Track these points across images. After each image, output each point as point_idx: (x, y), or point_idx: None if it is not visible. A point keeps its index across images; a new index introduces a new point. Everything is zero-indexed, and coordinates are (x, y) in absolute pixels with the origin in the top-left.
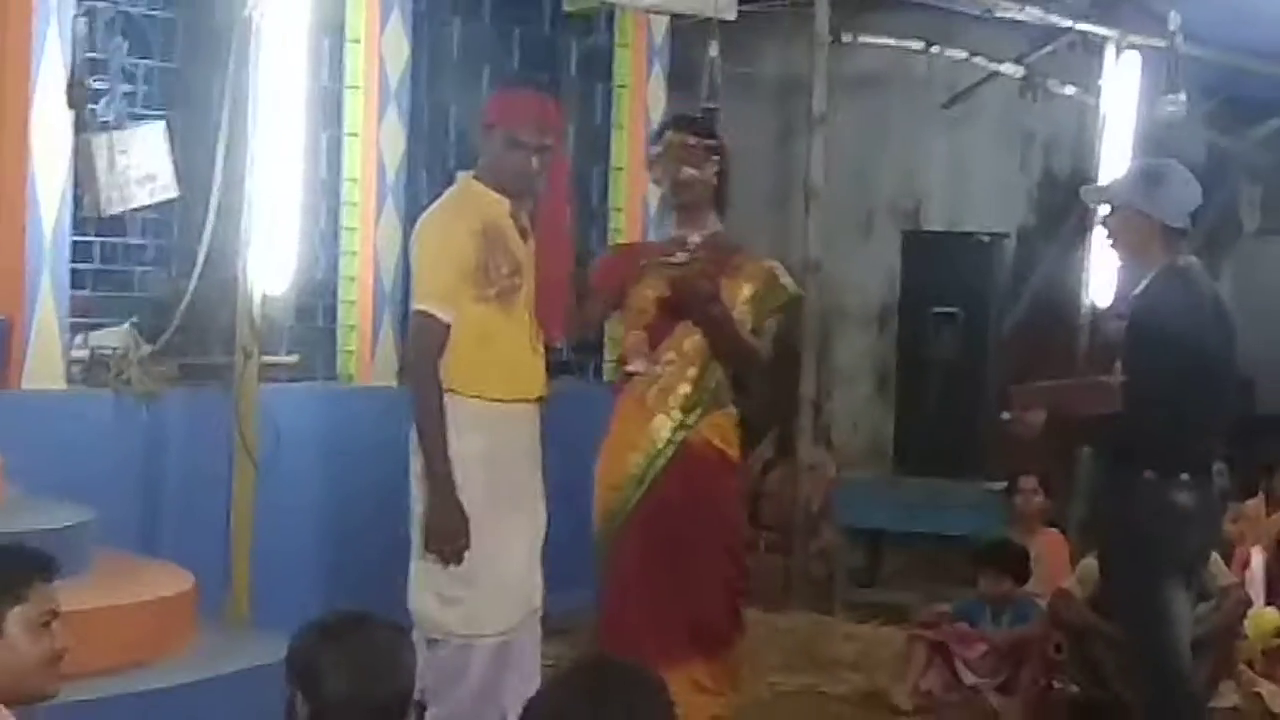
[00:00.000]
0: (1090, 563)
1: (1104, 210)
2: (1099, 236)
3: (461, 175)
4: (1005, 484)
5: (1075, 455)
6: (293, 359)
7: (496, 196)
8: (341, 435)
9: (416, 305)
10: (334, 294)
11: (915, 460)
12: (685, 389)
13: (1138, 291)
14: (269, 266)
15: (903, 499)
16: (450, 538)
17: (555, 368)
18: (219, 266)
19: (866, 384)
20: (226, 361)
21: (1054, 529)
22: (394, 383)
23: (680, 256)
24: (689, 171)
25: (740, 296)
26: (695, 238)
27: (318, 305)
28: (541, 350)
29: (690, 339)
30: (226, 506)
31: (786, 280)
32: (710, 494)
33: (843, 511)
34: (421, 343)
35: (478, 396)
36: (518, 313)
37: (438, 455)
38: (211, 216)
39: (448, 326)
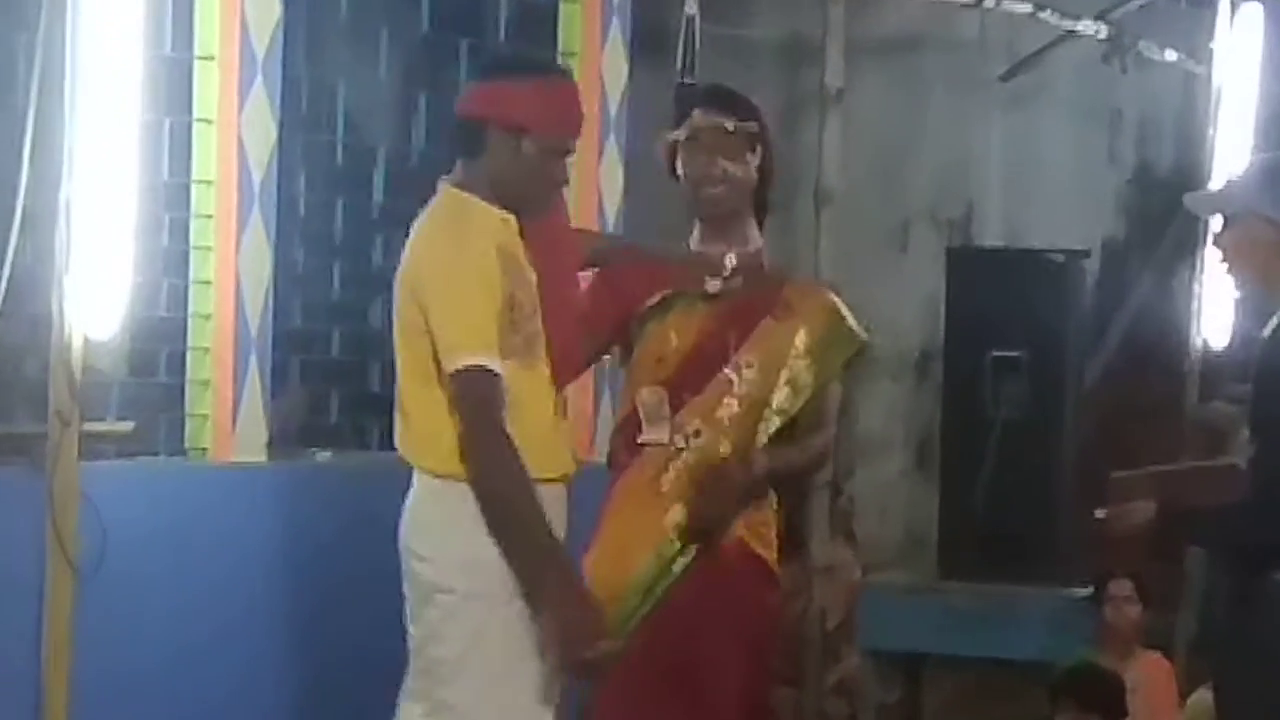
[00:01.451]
0: (1205, 696)
1: (1217, 222)
2: (1212, 255)
3: (454, 190)
4: (1090, 590)
5: (1182, 553)
6: (126, 427)
7: (502, 214)
8: (190, 529)
9: (460, 362)
10: (182, 339)
11: (967, 559)
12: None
13: (1268, 330)
14: (93, 301)
15: (950, 611)
16: (590, 637)
17: None
18: (24, 301)
19: (901, 455)
20: (36, 431)
21: (1156, 651)
22: (262, 458)
23: (714, 285)
24: (725, 166)
25: (794, 346)
26: (731, 257)
27: (159, 354)
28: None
29: (725, 402)
30: (38, 622)
31: (851, 320)
32: (743, 615)
33: (870, 628)
34: (485, 408)
35: None
36: (540, 367)
37: (541, 540)
38: (14, 233)
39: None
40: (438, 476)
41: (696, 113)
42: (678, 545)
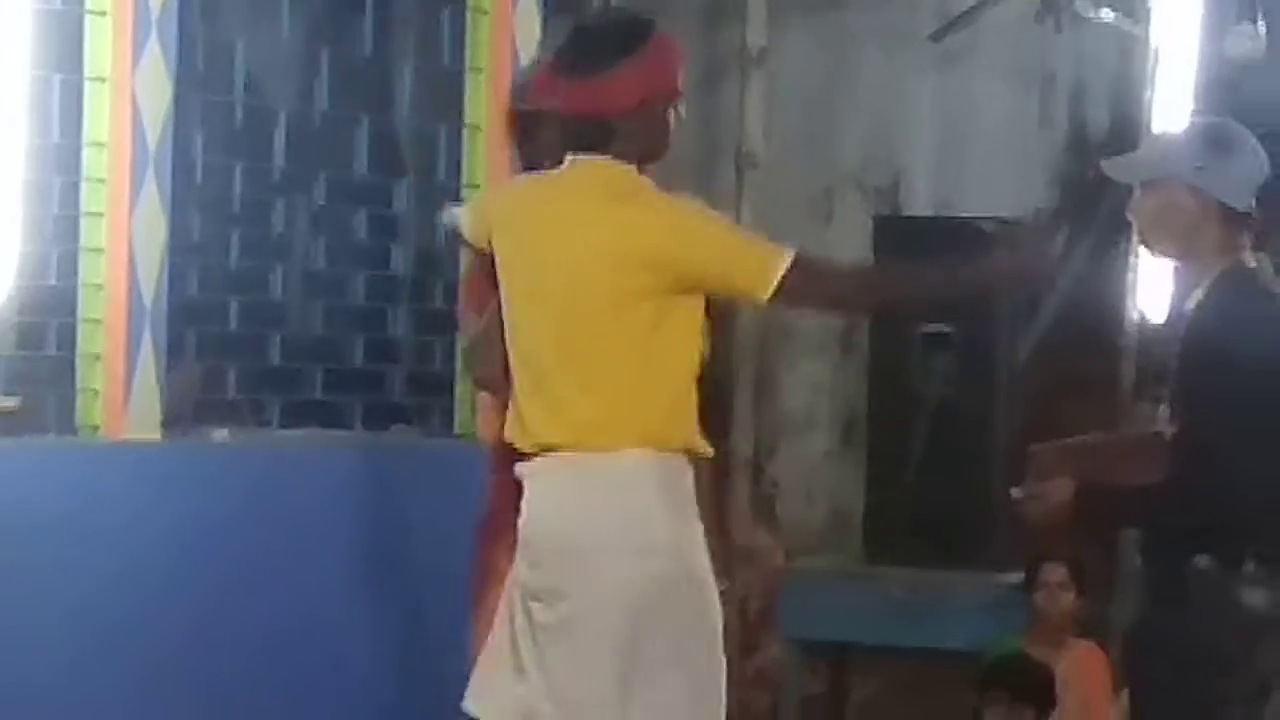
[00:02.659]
0: None
1: (1136, 190)
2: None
3: (583, 159)
4: (1023, 576)
5: (1113, 536)
6: (12, 404)
7: None
8: (82, 511)
9: (778, 270)
10: (72, 310)
11: (894, 543)
12: None
13: (1191, 305)
14: None
15: (877, 598)
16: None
17: (388, 412)
18: None
19: (826, 434)
20: None
21: (1089, 641)
22: (157, 436)
23: None
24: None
25: None
26: None
27: (48, 326)
28: None
29: None
30: None
31: None
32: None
33: (793, 617)
34: (826, 277)
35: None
36: None
37: (950, 274)
38: None
39: None
40: (681, 452)
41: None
42: None
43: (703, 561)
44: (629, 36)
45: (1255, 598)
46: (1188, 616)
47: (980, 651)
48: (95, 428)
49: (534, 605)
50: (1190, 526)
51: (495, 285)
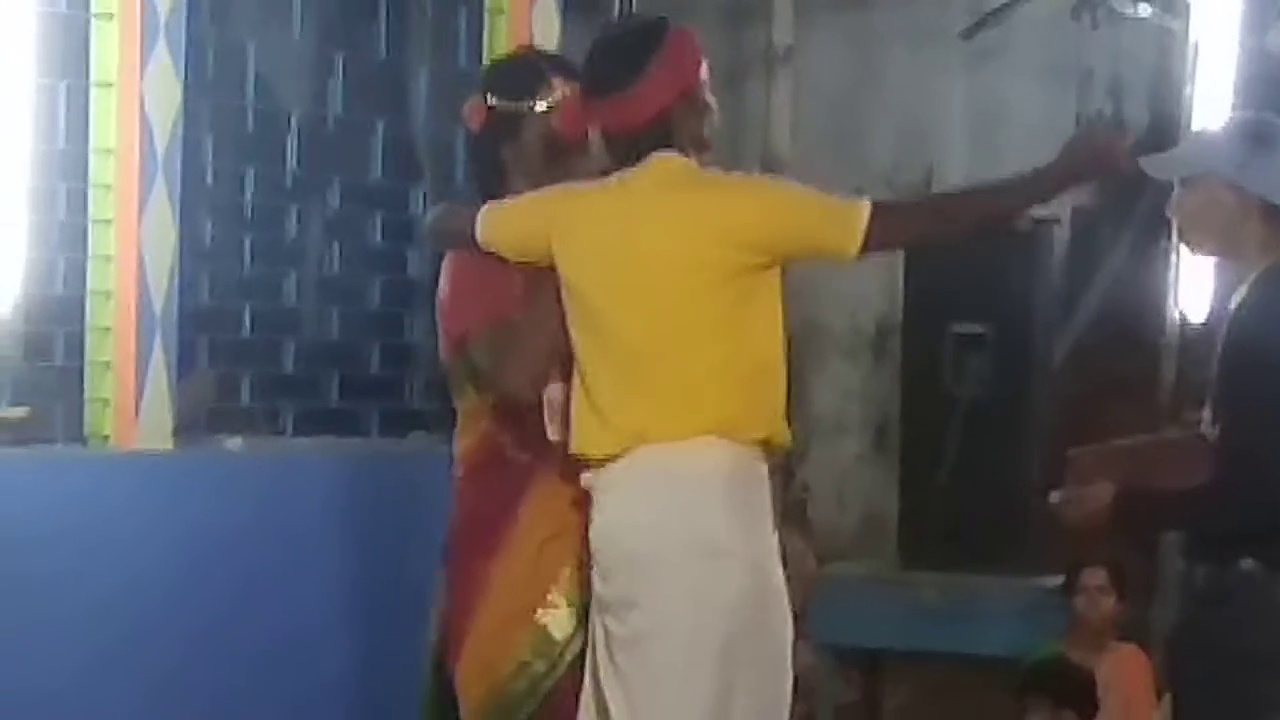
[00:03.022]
0: None
1: (1176, 187)
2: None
3: (660, 156)
4: (1062, 580)
5: (1154, 540)
6: (21, 413)
7: None
8: (92, 523)
9: (862, 220)
10: (80, 319)
11: (930, 547)
12: None
13: (1235, 304)
14: None
15: (912, 603)
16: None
17: (405, 419)
18: None
19: (858, 438)
20: None
21: (1131, 644)
22: (168, 445)
23: None
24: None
25: None
26: None
27: (56, 335)
28: None
29: None
30: None
31: None
32: None
33: (825, 623)
34: (905, 218)
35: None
36: None
37: (1012, 188)
38: None
39: None
40: (755, 444)
41: (556, 80)
42: None
43: (778, 570)
44: (644, 44)
45: None
46: (1232, 619)
47: (1016, 657)
48: (105, 437)
49: (606, 619)
50: (1234, 529)
51: (523, 292)
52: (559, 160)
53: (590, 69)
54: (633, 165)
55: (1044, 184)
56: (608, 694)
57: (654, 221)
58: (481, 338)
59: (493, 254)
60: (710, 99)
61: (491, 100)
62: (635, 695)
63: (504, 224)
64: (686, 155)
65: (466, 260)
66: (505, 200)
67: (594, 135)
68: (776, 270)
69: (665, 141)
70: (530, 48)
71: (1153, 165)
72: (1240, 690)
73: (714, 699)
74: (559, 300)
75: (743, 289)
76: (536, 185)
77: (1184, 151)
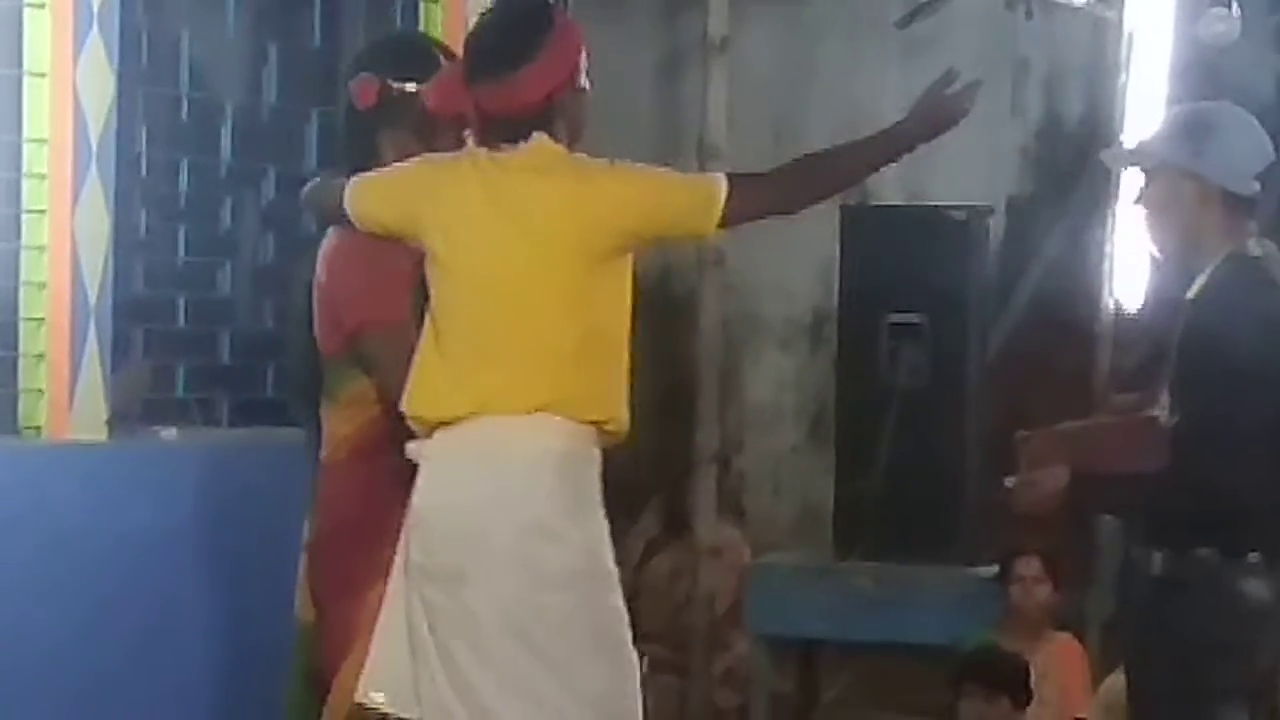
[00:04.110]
0: (1119, 679)
1: (1132, 178)
2: (1132, 215)
3: (539, 139)
4: (996, 569)
5: (1093, 526)
6: None
7: None
8: (25, 514)
9: (721, 185)
10: (13, 309)
11: (865, 537)
12: None
13: (1193, 292)
14: None
15: (847, 593)
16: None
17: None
18: None
19: (793, 427)
20: None
21: (1066, 633)
22: (103, 436)
23: None
24: None
25: None
26: None
27: None
28: None
29: None
30: None
31: None
32: None
33: (761, 613)
34: (761, 190)
35: None
36: None
37: (868, 146)
38: None
39: None
40: (595, 427)
41: (445, 62)
42: None
43: (609, 553)
44: (533, 28)
45: (1257, 588)
46: (1188, 605)
47: (952, 646)
48: (39, 428)
49: (428, 590)
50: (1192, 516)
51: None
52: (429, 142)
53: (476, 48)
54: (495, 142)
55: (896, 141)
56: (428, 668)
57: (526, 201)
58: (375, 338)
59: (381, 238)
60: (588, 87)
61: (386, 79)
62: (461, 670)
63: (375, 197)
64: (561, 141)
65: (356, 246)
66: (370, 174)
67: (469, 114)
68: (630, 254)
69: (544, 125)
70: (413, 29)
71: (1111, 157)
72: (1195, 676)
73: (541, 677)
74: None
75: (600, 272)
76: None
77: (1141, 143)
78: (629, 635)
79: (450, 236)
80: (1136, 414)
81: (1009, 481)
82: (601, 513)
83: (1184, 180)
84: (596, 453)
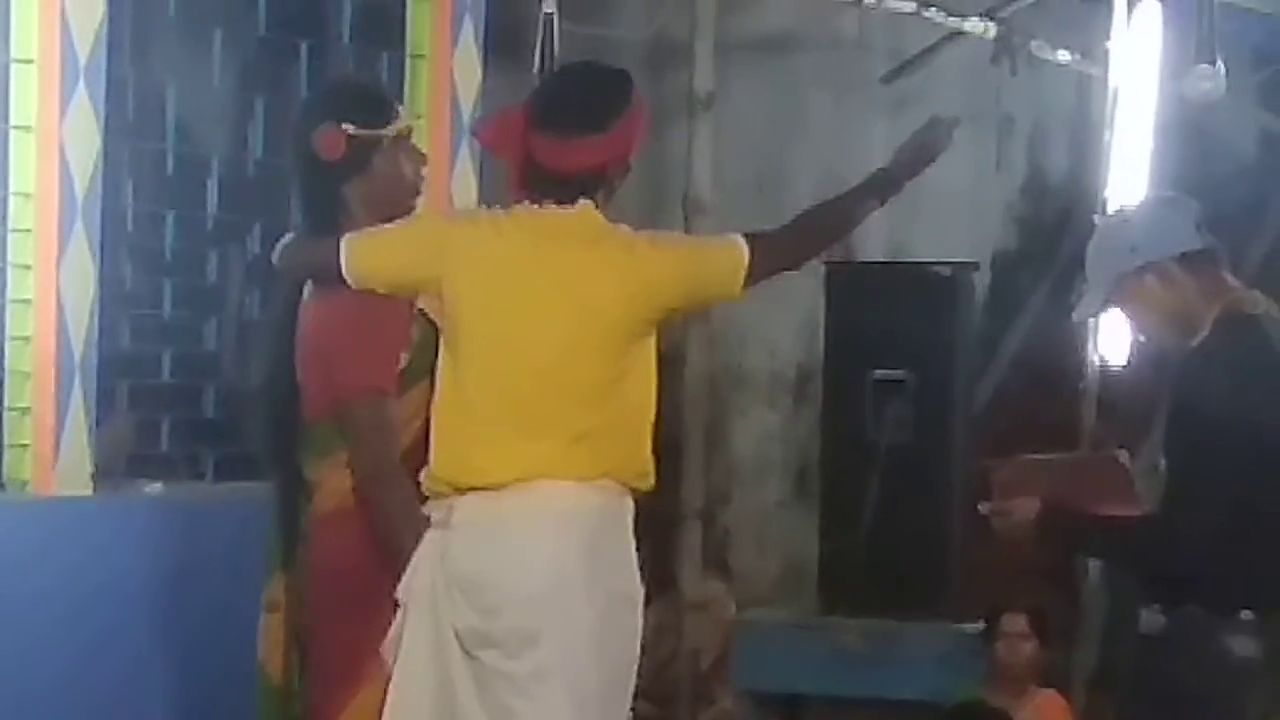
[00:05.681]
0: None
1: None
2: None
3: (587, 205)
4: (982, 625)
5: (1079, 579)
6: None
7: None
8: (9, 569)
9: (740, 243)
10: None
11: (850, 593)
12: None
13: (1193, 346)
14: None
15: (832, 649)
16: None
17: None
18: None
19: (779, 483)
20: None
21: (1051, 690)
22: (88, 490)
23: None
24: None
25: None
26: None
27: None
28: None
29: None
30: None
31: None
32: None
33: (746, 669)
34: (777, 247)
35: None
36: None
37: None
38: None
39: None
40: (630, 488)
41: (400, 108)
42: None
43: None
44: (619, 90)
45: (1245, 645)
46: (1176, 661)
47: (937, 703)
48: (24, 483)
49: (488, 655)
50: (1173, 571)
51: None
52: (400, 195)
53: (552, 100)
54: (546, 199)
55: (888, 182)
56: None
57: (574, 270)
58: (363, 407)
59: (381, 301)
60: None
61: (348, 127)
62: None
63: (380, 253)
64: (601, 208)
65: (350, 308)
66: (369, 230)
67: (517, 161)
68: (654, 330)
69: (590, 192)
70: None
71: (1081, 312)
72: None
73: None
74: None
75: (640, 342)
76: (382, 219)
77: (1091, 286)
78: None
79: (485, 296)
80: (1099, 454)
81: (984, 508)
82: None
83: (1140, 277)
84: (630, 503)
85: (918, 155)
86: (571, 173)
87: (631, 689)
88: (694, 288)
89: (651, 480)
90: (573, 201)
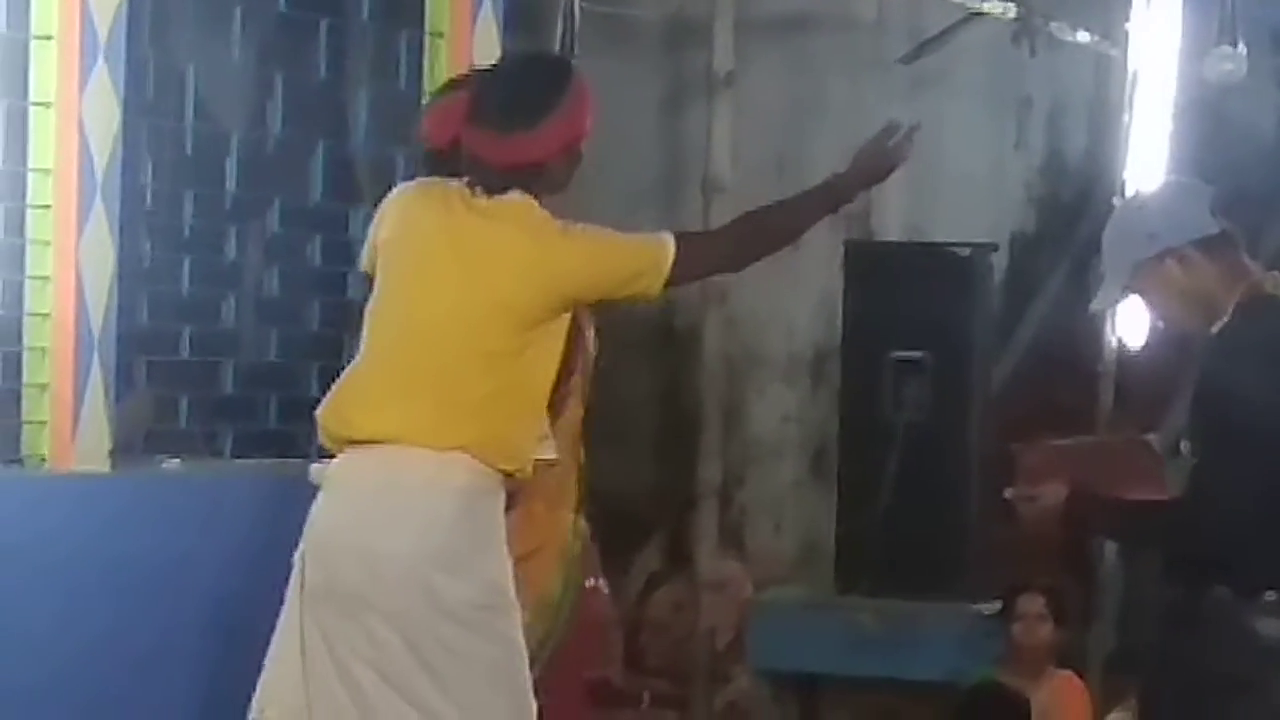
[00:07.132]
0: (1121, 717)
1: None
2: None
3: (518, 196)
4: (998, 606)
5: (1095, 560)
6: None
7: None
8: (28, 545)
9: (668, 252)
10: (17, 339)
11: (867, 573)
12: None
13: (1217, 329)
14: None
15: (849, 629)
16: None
17: (261, 439)
18: None
19: (796, 463)
20: None
21: (1068, 671)
22: (106, 467)
23: None
24: None
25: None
26: None
27: None
28: None
29: (572, 410)
30: None
31: None
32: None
33: (762, 648)
34: (704, 250)
35: None
36: None
37: (802, 205)
38: None
39: None
40: (498, 469)
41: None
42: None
43: (511, 585)
44: (551, 86)
45: (1272, 627)
46: (1204, 644)
47: (954, 683)
48: (42, 459)
49: (326, 612)
50: (1201, 555)
51: None
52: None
53: (486, 95)
54: (485, 189)
55: (836, 193)
56: (326, 689)
57: (483, 251)
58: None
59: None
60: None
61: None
62: (365, 692)
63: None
64: (538, 195)
65: None
66: None
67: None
68: (568, 311)
69: (526, 184)
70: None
71: (1101, 303)
72: (1209, 715)
73: (440, 704)
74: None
75: (539, 330)
76: None
77: (1110, 276)
78: (528, 673)
79: (404, 258)
80: (1127, 437)
81: (1009, 493)
82: (505, 548)
83: (1160, 263)
84: (500, 489)
85: (875, 165)
86: (501, 168)
87: (516, 689)
88: (603, 283)
89: (524, 464)
90: (504, 192)
